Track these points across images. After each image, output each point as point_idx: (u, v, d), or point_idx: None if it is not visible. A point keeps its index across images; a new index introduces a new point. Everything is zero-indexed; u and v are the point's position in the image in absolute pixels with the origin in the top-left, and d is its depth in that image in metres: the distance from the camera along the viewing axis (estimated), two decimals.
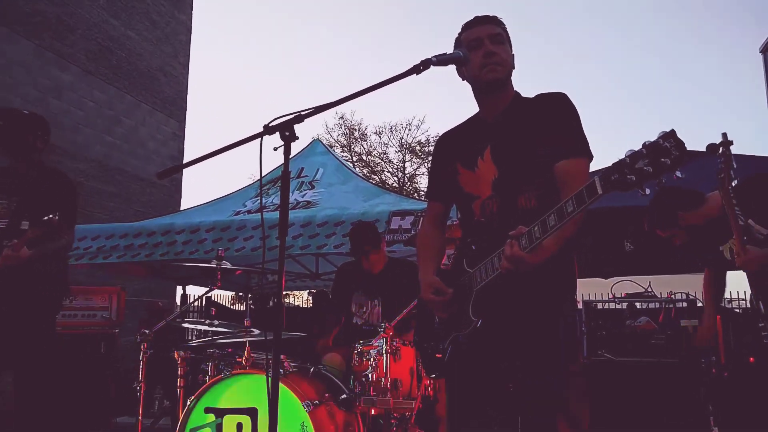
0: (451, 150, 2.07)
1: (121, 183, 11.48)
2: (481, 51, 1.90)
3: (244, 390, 2.82)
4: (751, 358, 3.66)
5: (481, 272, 1.76)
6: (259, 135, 2.05)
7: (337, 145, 21.86)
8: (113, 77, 11.52)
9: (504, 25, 1.97)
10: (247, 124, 55.40)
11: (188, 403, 2.87)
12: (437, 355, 1.91)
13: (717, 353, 3.61)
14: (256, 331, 3.18)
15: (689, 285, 4.13)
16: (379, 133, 22.70)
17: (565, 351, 1.81)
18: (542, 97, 1.91)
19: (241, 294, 15.74)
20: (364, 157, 22.12)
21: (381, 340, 2.85)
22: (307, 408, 2.63)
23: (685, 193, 2.65)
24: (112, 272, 6.41)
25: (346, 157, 21.09)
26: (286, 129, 1.96)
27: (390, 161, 22.78)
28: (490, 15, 1.98)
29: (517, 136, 1.88)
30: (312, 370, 3.01)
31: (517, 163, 1.85)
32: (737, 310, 5.91)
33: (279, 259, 1.85)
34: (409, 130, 22.04)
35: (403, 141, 22.28)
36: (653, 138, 1.35)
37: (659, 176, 1.34)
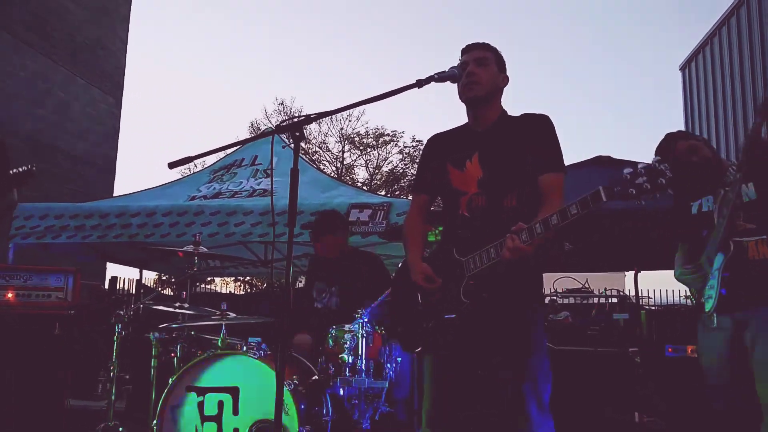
0: (441, 150, 2.31)
1: (53, 161, 11.04)
2: (465, 73, 2.18)
3: (225, 370, 2.96)
4: (670, 348, 4.12)
5: (474, 260, 2.01)
6: (271, 134, 2.24)
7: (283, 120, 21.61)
8: (48, 48, 11.03)
9: (495, 50, 2.25)
10: (187, 105, 53.61)
11: (169, 382, 2.98)
12: (424, 334, 2.14)
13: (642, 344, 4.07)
14: (232, 315, 3.32)
15: (621, 282, 4.54)
16: (318, 122, 22.70)
17: (532, 338, 2.10)
18: (527, 117, 2.20)
19: (166, 277, 15.45)
20: (303, 145, 22.06)
21: (356, 325, 3.06)
22: (290, 387, 2.81)
23: (678, 132, 2.71)
24: (56, 252, 6.25)
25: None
26: (295, 129, 2.16)
27: (329, 150, 22.84)
28: (481, 42, 2.26)
29: (503, 146, 2.15)
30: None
31: (502, 167, 2.12)
32: (654, 308, 6.57)
33: (287, 250, 2.03)
34: (350, 121, 22.16)
35: (343, 131, 22.39)
36: (652, 163, 1.73)
37: (655, 193, 1.68)
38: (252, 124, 22.62)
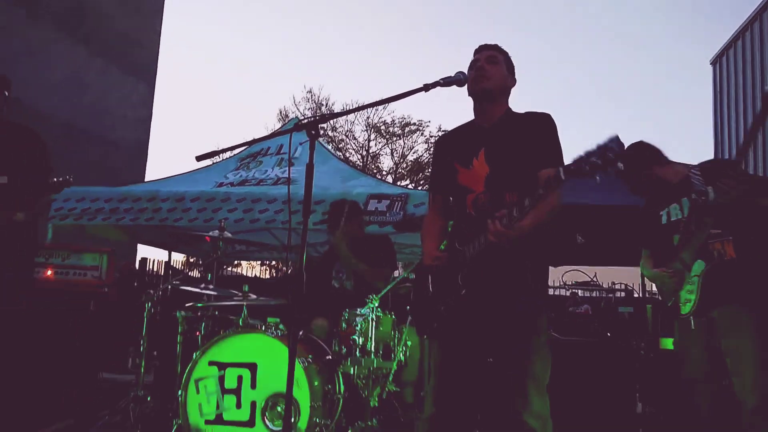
0: (449, 150, 2.46)
1: (88, 147, 11.46)
2: (475, 68, 2.34)
3: (245, 347, 3.20)
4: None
5: (469, 248, 2.19)
6: (290, 131, 2.44)
7: (303, 118, 21.95)
8: (85, 40, 11.41)
9: (505, 53, 2.40)
10: (216, 92, 54.36)
11: (194, 356, 3.23)
12: (431, 318, 2.32)
13: (647, 337, 4.19)
14: (253, 296, 3.56)
15: (629, 277, 4.67)
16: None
17: (529, 326, 2.25)
18: (531, 115, 2.34)
19: (193, 259, 15.91)
20: (329, 133, 22.33)
21: (367, 309, 3.27)
22: (303, 364, 3.03)
23: (658, 151, 2.92)
24: (91, 234, 6.58)
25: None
26: (312, 128, 2.36)
27: (355, 139, 23.06)
28: (492, 44, 2.42)
29: (508, 143, 2.29)
30: (301, 333, 3.41)
31: (507, 164, 2.26)
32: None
33: (302, 239, 2.23)
34: (376, 109, 22.29)
35: (369, 120, 22.58)
36: (602, 140, 1.85)
37: (606, 168, 1.81)
38: (281, 111, 22.97)
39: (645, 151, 2.87)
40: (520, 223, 2.03)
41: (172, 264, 14.12)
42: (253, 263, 19.92)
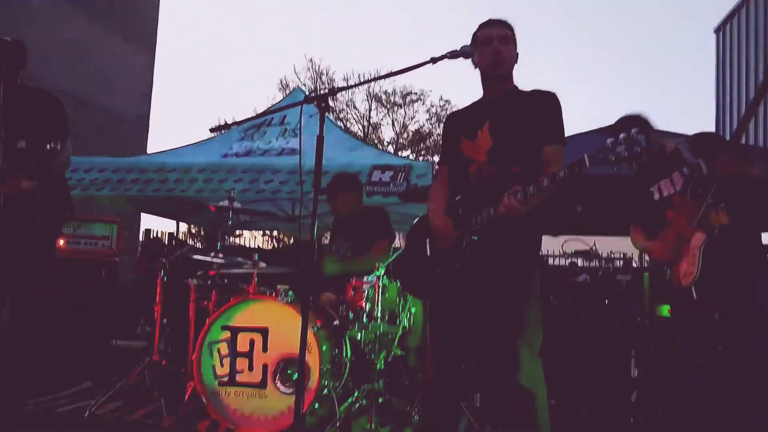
0: (457, 126, 2.54)
1: (90, 117, 11.45)
2: (490, 49, 2.37)
3: (256, 312, 3.33)
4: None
5: (476, 218, 2.28)
6: (299, 103, 2.52)
7: (304, 88, 21.84)
8: (85, 7, 11.32)
9: (513, 28, 2.43)
10: (217, 62, 53.89)
11: (207, 322, 3.36)
12: (429, 280, 2.42)
13: (642, 303, 4.32)
14: (263, 264, 3.67)
15: (629, 246, 4.76)
16: (346, 80, 22.81)
17: (527, 289, 2.36)
18: (537, 92, 2.40)
19: (195, 230, 16.04)
20: (330, 103, 22.18)
21: (373, 277, 3.39)
22: (313, 330, 3.16)
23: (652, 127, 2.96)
24: (96, 204, 6.67)
25: None
26: (322, 100, 2.44)
27: (356, 108, 22.97)
28: (501, 19, 2.44)
29: (512, 117, 2.36)
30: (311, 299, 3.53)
31: (509, 138, 2.34)
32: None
33: (312, 210, 2.34)
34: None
35: (370, 90, 22.45)
36: (629, 132, 1.92)
37: (632, 161, 1.90)
38: (281, 81, 22.84)
39: (648, 125, 2.90)
40: (534, 199, 2.12)
41: (176, 235, 14.28)
42: (256, 234, 20.10)
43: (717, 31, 13.37)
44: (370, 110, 22.80)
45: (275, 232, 19.82)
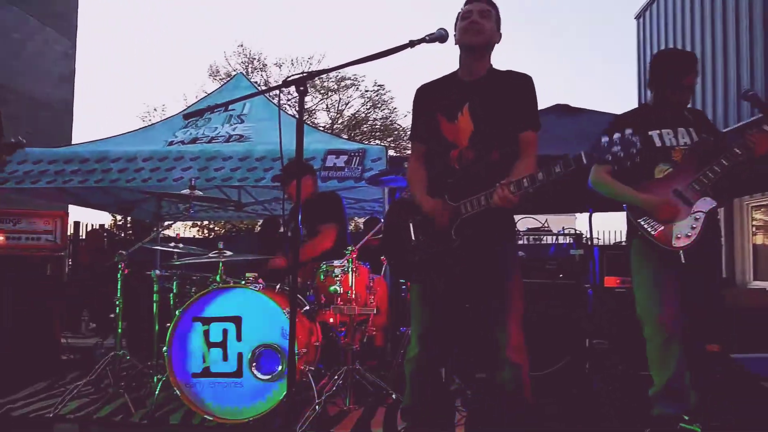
0: (432, 101, 2.52)
1: (9, 103, 10.73)
2: (469, 20, 2.39)
3: (228, 301, 3.27)
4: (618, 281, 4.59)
5: (466, 205, 2.32)
6: (278, 87, 2.48)
7: (234, 73, 21.27)
8: None
9: (496, 7, 2.47)
10: (143, 47, 51.39)
11: (176, 314, 3.27)
12: (412, 264, 2.46)
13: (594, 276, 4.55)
14: (228, 253, 3.61)
15: (574, 223, 4.96)
16: (279, 65, 22.37)
17: (509, 265, 2.44)
18: (512, 74, 2.45)
19: (122, 221, 15.40)
20: (262, 87, 21.76)
21: (346, 260, 3.40)
22: (286, 315, 3.14)
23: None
24: (36, 197, 6.32)
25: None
26: (300, 84, 2.40)
27: (289, 92, 22.56)
28: None
29: (491, 101, 2.40)
30: (278, 286, 3.51)
31: (490, 123, 2.38)
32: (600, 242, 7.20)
33: (296, 195, 2.31)
34: (311, 65, 21.88)
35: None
36: (626, 134, 2.02)
37: (627, 162, 1.99)
38: (211, 66, 22.14)
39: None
40: (525, 191, 2.18)
41: (107, 227, 13.69)
42: (187, 224, 19.48)
43: (638, 17, 13.96)
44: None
45: (206, 222, 19.29)
